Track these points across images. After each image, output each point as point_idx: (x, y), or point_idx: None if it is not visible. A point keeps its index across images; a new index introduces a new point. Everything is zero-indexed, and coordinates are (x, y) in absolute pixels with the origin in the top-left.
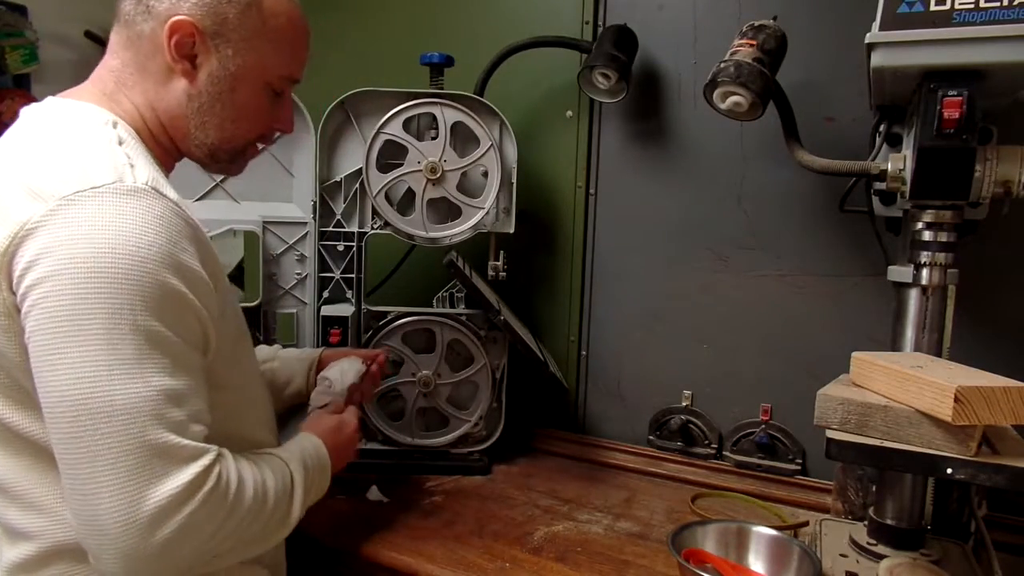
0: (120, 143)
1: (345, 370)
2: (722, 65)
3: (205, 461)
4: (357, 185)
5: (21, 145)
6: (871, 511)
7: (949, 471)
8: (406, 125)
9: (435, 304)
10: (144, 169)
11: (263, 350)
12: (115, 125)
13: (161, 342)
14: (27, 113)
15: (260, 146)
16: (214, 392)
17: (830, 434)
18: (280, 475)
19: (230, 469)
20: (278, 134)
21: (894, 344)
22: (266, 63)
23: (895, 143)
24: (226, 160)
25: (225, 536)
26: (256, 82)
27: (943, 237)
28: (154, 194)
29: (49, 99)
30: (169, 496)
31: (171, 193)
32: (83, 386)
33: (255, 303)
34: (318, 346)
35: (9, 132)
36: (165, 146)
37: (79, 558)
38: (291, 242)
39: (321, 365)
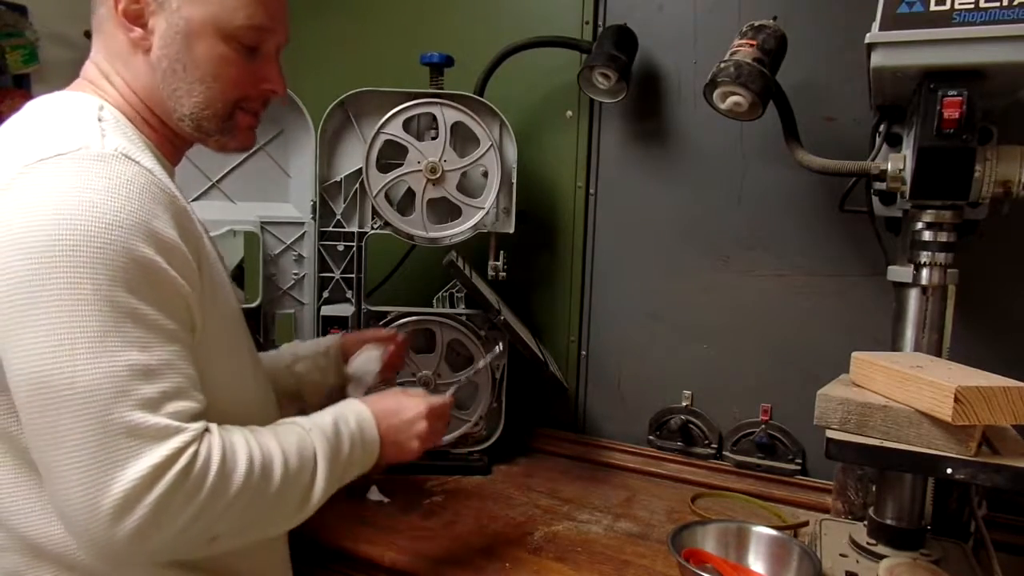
0: (100, 120)
1: (369, 359)
2: (722, 65)
3: (175, 442)
4: (357, 185)
5: (9, 130)
6: (871, 511)
7: (949, 471)
8: (406, 125)
9: (435, 304)
10: (115, 138)
11: (282, 354)
12: (101, 108)
13: (131, 314)
14: (28, 105)
15: (255, 113)
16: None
17: (830, 434)
18: (297, 449)
19: (212, 447)
20: (270, 97)
21: (894, 344)
22: (217, 11)
23: (895, 143)
24: (216, 131)
25: (215, 517)
26: (212, 34)
27: (943, 237)
28: (123, 159)
29: (52, 94)
30: (135, 480)
31: (146, 162)
32: (44, 364)
33: (255, 303)
34: None
35: (8, 122)
36: (159, 130)
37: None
38: (288, 242)
39: (344, 347)
